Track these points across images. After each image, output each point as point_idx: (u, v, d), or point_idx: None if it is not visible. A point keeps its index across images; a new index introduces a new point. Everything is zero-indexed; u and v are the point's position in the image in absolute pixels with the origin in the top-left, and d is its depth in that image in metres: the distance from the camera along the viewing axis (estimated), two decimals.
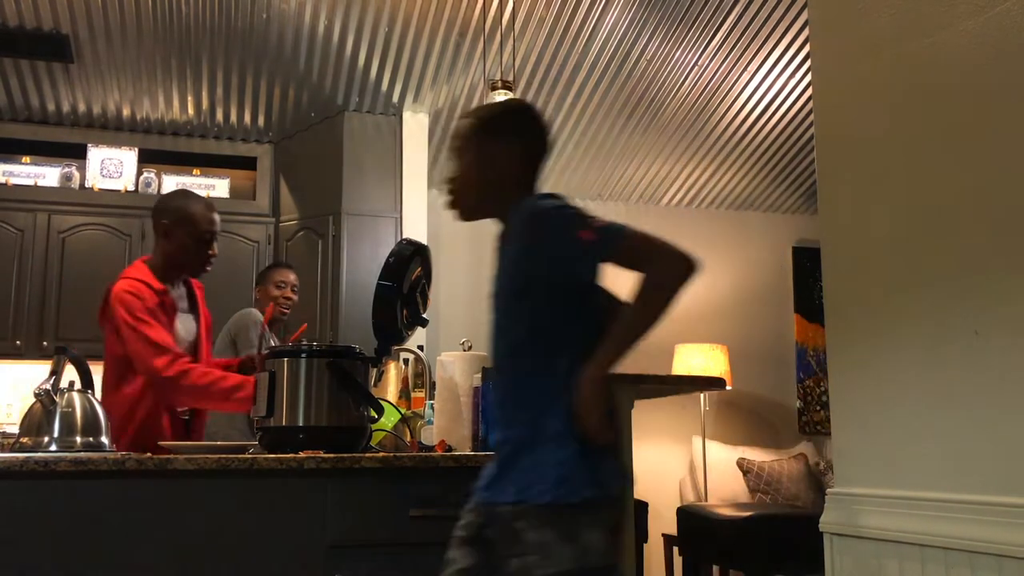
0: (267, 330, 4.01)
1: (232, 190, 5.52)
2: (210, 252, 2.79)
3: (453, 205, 1.88)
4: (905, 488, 1.82)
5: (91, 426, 2.22)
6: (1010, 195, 1.64)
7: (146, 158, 5.41)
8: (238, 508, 2.08)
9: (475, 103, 5.13)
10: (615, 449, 1.72)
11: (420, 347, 3.15)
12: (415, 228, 5.18)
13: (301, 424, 2.29)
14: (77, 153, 5.30)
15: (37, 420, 2.19)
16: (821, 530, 2.04)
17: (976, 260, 1.71)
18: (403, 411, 2.72)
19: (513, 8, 4.49)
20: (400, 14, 4.55)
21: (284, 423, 2.28)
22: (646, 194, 6.15)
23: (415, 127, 5.37)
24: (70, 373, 2.29)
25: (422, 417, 2.67)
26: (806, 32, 4.48)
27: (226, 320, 3.99)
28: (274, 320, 4.14)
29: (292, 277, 4.28)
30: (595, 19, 4.64)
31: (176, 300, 2.77)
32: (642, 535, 4.70)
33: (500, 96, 4.16)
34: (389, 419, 2.57)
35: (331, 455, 2.14)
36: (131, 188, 5.31)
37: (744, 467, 5.52)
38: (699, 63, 4.99)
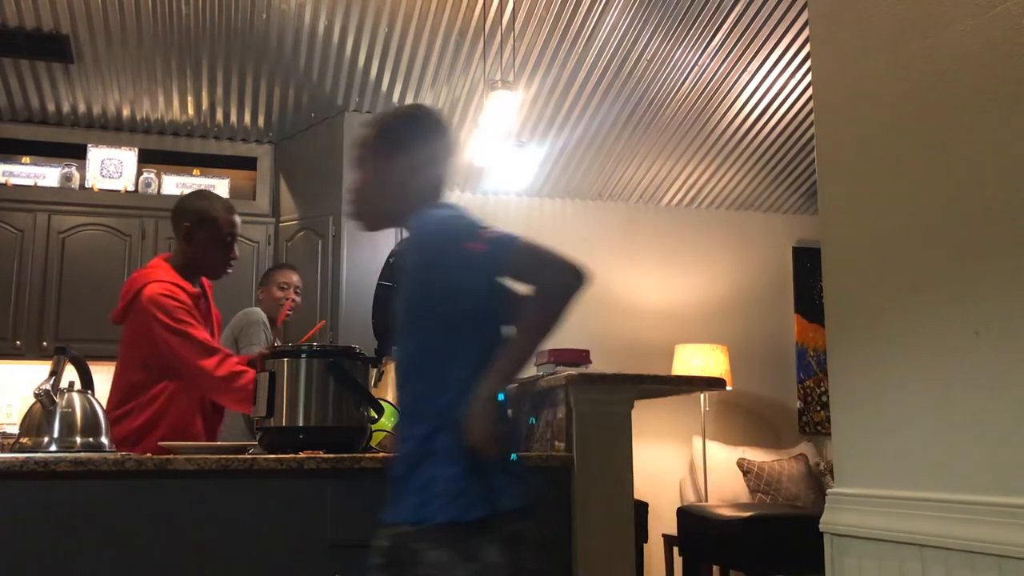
0: (269, 330, 4.02)
1: (232, 190, 5.51)
2: (231, 254, 2.79)
3: (356, 216, 1.85)
4: (905, 488, 1.82)
5: (91, 426, 2.22)
6: (1010, 195, 1.64)
7: (146, 158, 5.41)
8: (238, 508, 2.08)
9: (475, 103, 5.14)
10: (517, 464, 1.69)
11: None
12: None
13: (301, 424, 2.29)
14: (77, 153, 5.30)
15: (37, 420, 2.19)
16: (821, 530, 2.04)
17: (976, 260, 1.70)
18: None
19: (513, 8, 4.49)
20: (400, 14, 4.55)
21: (284, 423, 2.29)
22: (646, 194, 6.15)
23: None
24: (70, 373, 2.29)
25: None
26: (806, 32, 4.48)
27: (227, 319, 3.99)
28: (274, 321, 4.14)
29: (295, 278, 4.28)
30: (595, 19, 4.64)
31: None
32: (642, 535, 4.70)
33: (500, 96, 4.16)
34: (389, 419, 2.57)
35: (331, 455, 2.14)
36: (131, 188, 5.31)
37: (744, 467, 5.52)
38: (699, 63, 4.98)
